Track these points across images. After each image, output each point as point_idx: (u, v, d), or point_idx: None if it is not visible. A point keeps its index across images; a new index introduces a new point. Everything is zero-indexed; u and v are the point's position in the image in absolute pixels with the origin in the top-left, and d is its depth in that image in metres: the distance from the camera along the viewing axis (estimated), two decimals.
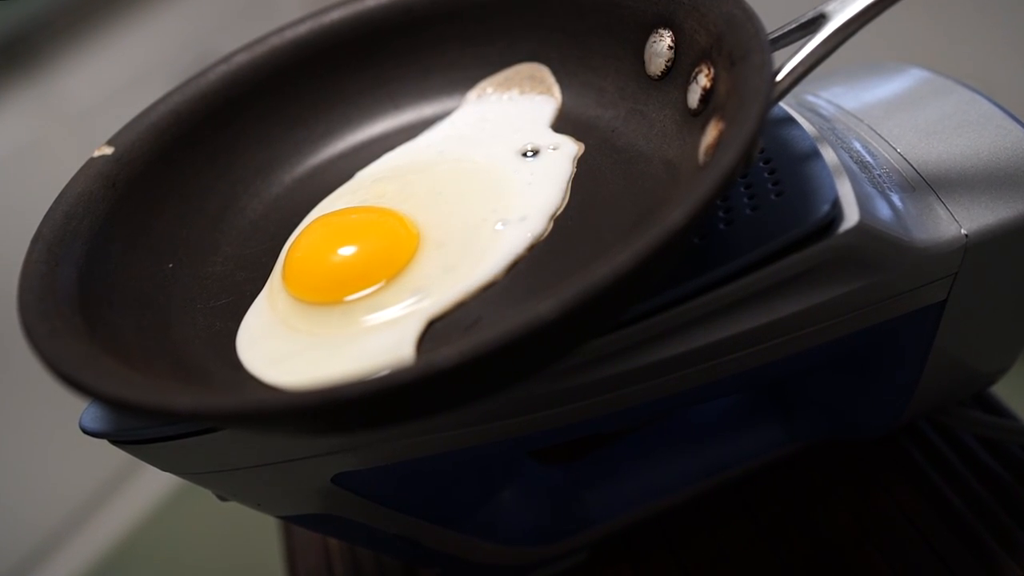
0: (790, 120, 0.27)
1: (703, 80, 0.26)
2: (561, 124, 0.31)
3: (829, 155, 0.26)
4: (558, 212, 0.27)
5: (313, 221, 0.30)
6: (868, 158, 0.28)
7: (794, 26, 0.26)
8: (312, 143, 0.33)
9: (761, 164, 0.26)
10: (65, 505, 1.14)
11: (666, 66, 0.28)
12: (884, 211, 0.26)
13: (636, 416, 0.28)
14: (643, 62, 0.29)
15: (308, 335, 0.26)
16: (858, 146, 0.29)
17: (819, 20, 0.25)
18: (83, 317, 0.24)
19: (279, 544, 0.42)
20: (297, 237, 0.29)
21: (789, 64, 0.24)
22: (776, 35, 0.26)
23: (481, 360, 0.18)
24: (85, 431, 0.27)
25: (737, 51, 0.23)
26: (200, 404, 0.20)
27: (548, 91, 0.32)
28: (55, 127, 1.07)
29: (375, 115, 0.34)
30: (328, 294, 0.27)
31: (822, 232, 0.24)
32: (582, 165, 0.29)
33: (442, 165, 0.30)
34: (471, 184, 0.29)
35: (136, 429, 0.26)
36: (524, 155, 0.30)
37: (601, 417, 0.27)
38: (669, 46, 0.28)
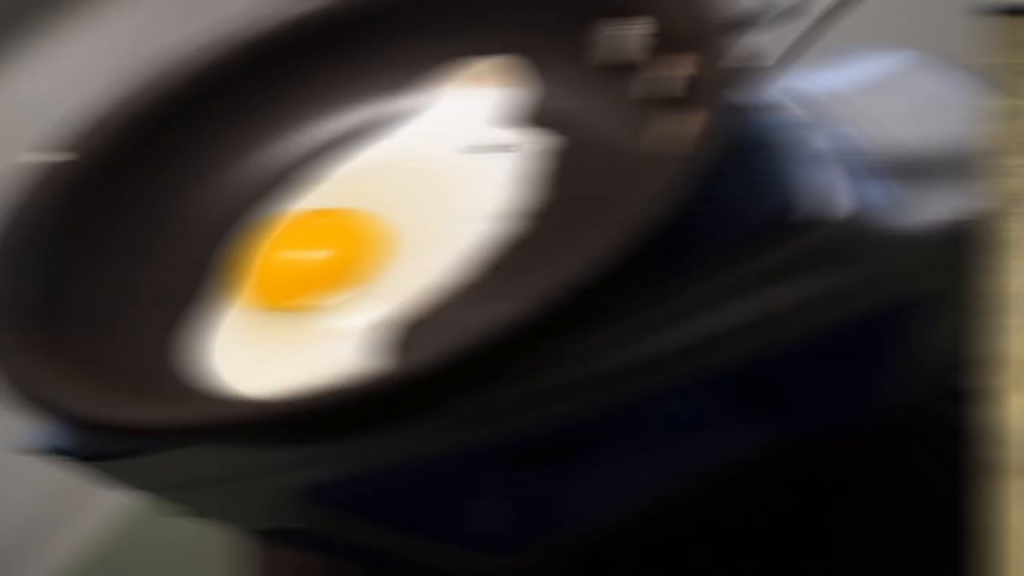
0: (775, 106, 0.27)
1: (673, 68, 0.25)
2: (528, 118, 0.30)
3: (817, 141, 0.25)
4: (529, 208, 0.27)
5: (279, 224, 0.29)
6: (858, 144, 0.28)
7: (779, 10, 0.25)
8: (276, 144, 0.32)
9: (745, 152, 0.26)
10: (10, 524, 1.10)
11: (633, 55, 0.27)
12: (876, 199, 0.25)
13: (617, 416, 0.28)
14: (609, 51, 0.28)
15: (276, 343, 0.26)
16: (847, 131, 0.28)
17: (804, 2, 0.24)
18: (42, 331, 0.24)
19: (252, 563, 0.41)
20: (263, 241, 0.29)
21: (774, 49, 0.24)
22: (760, 18, 0.25)
23: (455, 363, 0.18)
24: (33, 451, 0.25)
25: (708, 37, 0.23)
26: (162, 418, 0.20)
27: (515, 84, 0.31)
28: (2, 131, 1.05)
29: (339, 114, 0.33)
30: (296, 299, 0.26)
31: (810, 222, 0.23)
32: (551, 160, 0.28)
33: (409, 164, 0.30)
34: (440, 182, 0.29)
35: (82, 448, 0.25)
36: (492, 151, 0.29)
37: (581, 417, 0.27)
38: (637, 34, 0.27)
